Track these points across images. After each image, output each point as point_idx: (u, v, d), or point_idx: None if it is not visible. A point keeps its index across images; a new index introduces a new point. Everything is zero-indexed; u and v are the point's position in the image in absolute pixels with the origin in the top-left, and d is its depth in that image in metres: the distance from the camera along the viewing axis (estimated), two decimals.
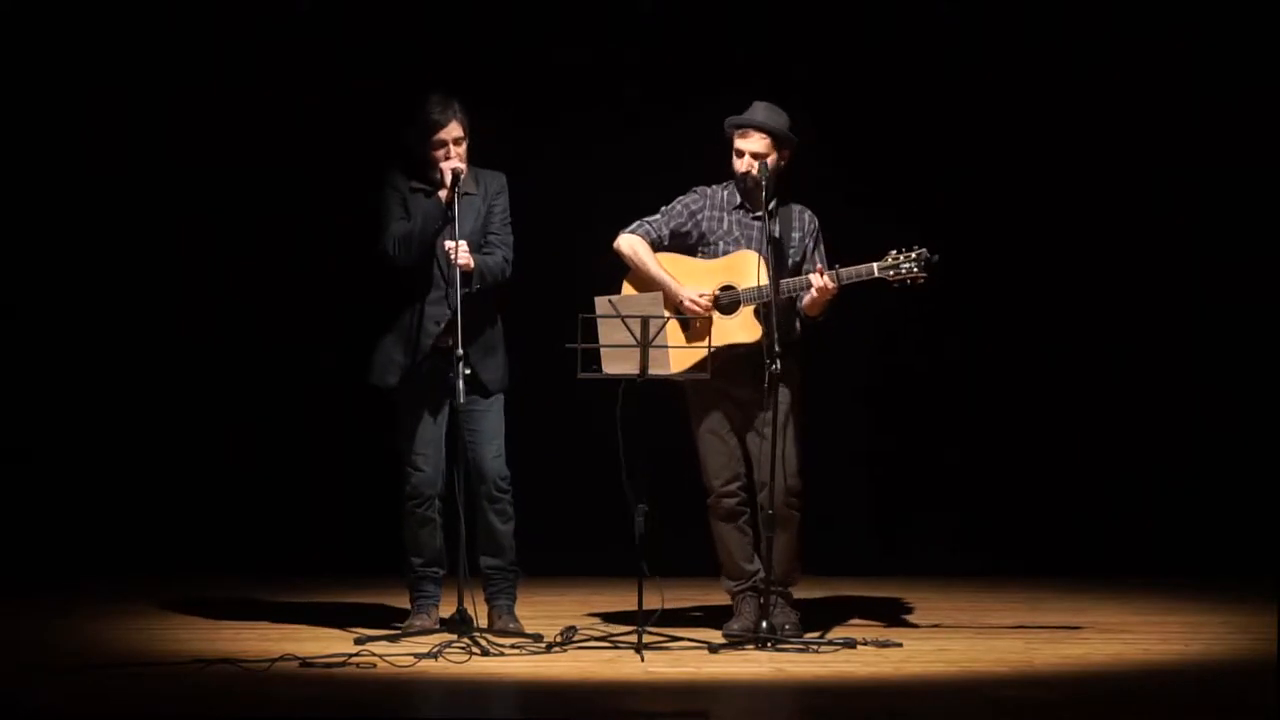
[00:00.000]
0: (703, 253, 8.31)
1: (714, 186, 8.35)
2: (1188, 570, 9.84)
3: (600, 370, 7.91)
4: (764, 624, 7.97)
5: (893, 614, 8.90)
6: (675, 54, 10.24)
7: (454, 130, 8.12)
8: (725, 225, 8.30)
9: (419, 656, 7.66)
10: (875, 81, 10.25)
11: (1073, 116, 10.27)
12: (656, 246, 8.32)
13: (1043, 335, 10.35)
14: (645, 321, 7.85)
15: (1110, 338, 10.32)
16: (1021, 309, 10.33)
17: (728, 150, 8.25)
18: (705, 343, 8.01)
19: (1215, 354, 10.22)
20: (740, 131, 8.22)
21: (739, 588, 8.29)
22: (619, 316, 7.88)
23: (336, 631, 8.35)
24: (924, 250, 8.01)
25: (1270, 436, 9.83)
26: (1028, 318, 10.34)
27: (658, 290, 8.21)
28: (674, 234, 8.33)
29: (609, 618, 8.68)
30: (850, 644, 7.96)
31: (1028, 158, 10.28)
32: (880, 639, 8.05)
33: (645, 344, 7.85)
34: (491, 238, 8.25)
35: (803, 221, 8.30)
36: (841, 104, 10.10)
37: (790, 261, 8.23)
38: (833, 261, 8.21)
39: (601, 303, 7.98)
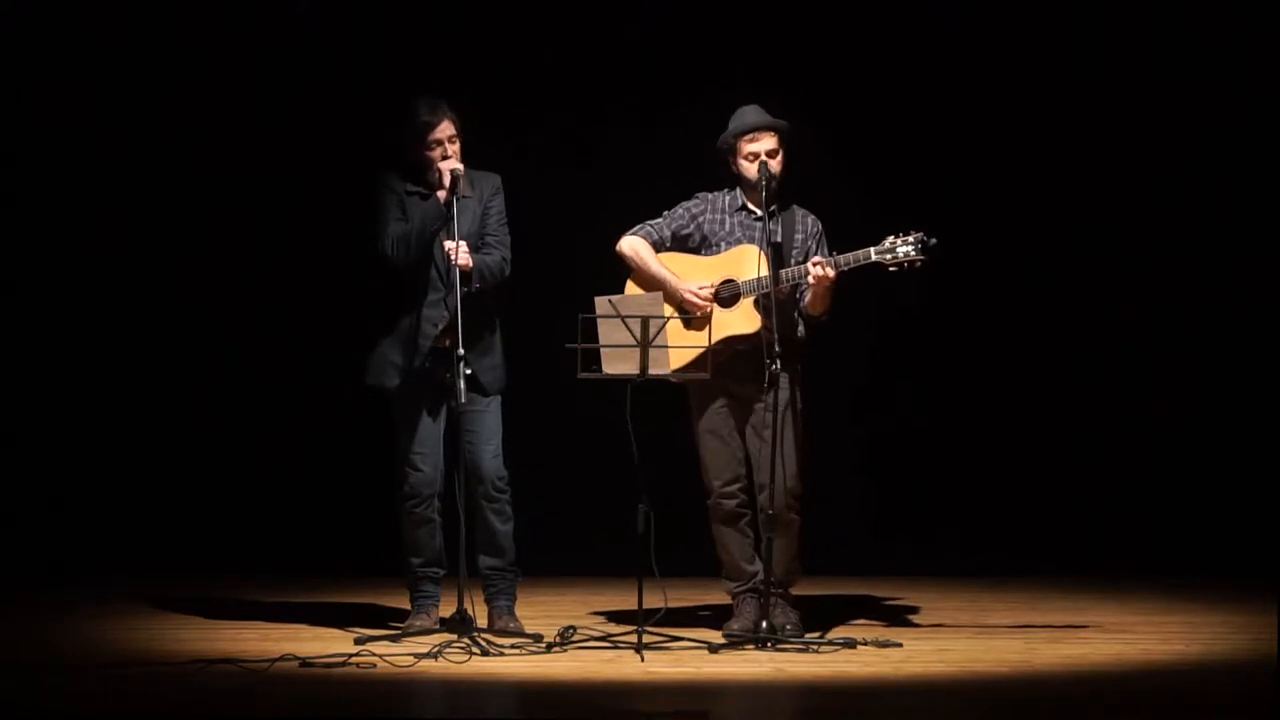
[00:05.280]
0: (706, 255, 8.32)
1: (716, 192, 8.36)
2: (1188, 570, 9.84)
3: (600, 370, 7.91)
4: (764, 624, 7.97)
5: (893, 614, 8.90)
6: (675, 55, 10.24)
7: (446, 129, 8.11)
8: (727, 227, 8.31)
9: (419, 656, 7.66)
10: (874, 76, 10.24)
11: (1072, 112, 10.26)
12: (658, 248, 8.32)
13: (1043, 335, 10.34)
14: (645, 321, 7.85)
15: (1111, 337, 10.32)
16: (1022, 308, 10.33)
17: (725, 162, 8.24)
18: (705, 343, 8.01)
19: (1216, 354, 10.22)
20: (749, 137, 8.20)
21: (739, 589, 8.29)
22: (619, 316, 7.88)
23: (336, 631, 8.36)
24: (921, 233, 8.01)
25: (1270, 437, 9.83)
26: (1028, 317, 10.33)
27: (660, 289, 8.22)
28: (675, 236, 8.33)
29: (610, 618, 8.69)
30: (850, 644, 7.96)
31: (1030, 158, 10.28)
32: (880, 639, 8.05)
33: (645, 344, 7.86)
34: (489, 239, 8.24)
35: (806, 224, 8.31)
36: (842, 100, 10.10)
37: (794, 262, 8.23)
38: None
39: (601, 303, 7.97)
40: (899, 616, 8.85)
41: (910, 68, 10.26)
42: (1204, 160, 10.17)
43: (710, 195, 8.37)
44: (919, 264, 8.01)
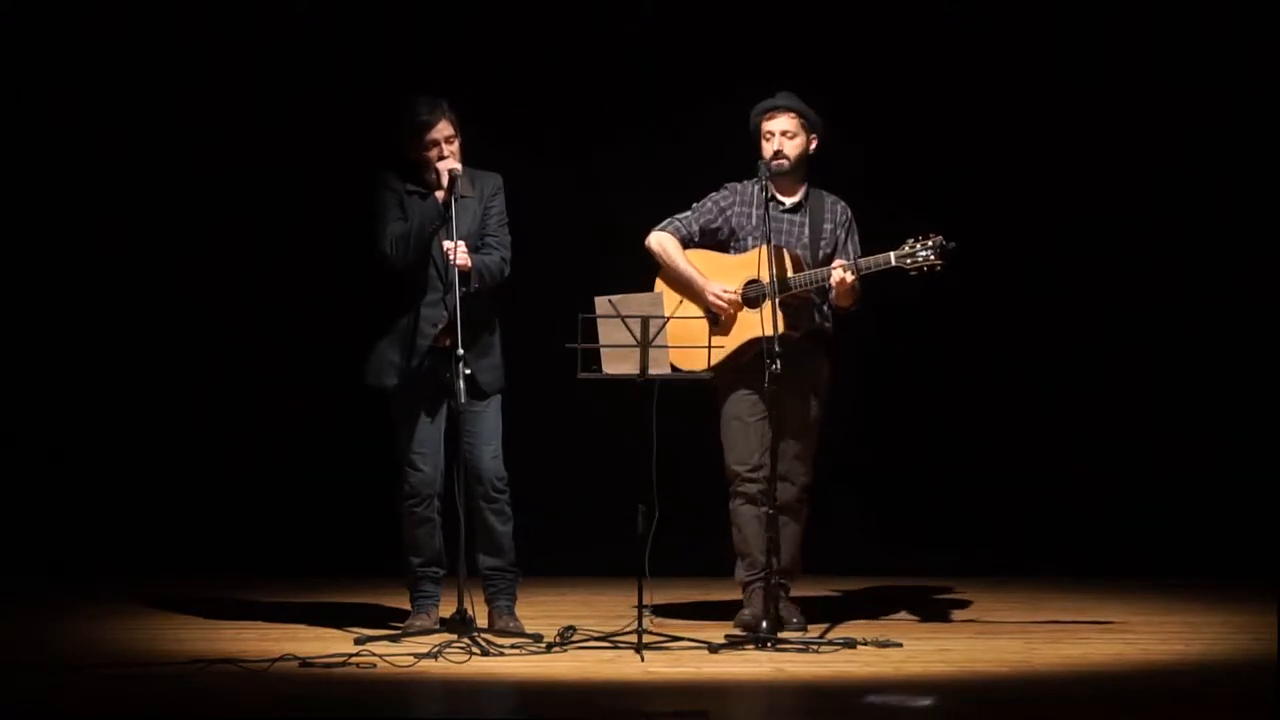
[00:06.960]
0: (734, 248, 8.34)
1: (745, 182, 8.36)
2: (1188, 570, 9.83)
3: (600, 370, 7.91)
4: (763, 623, 7.96)
5: (893, 614, 8.90)
6: (676, 54, 10.24)
7: (444, 129, 8.11)
8: (754, 220, 8.31)
9: (419, 656, 7.66)
10: (874, 77, 10.23)
11: (1073, 112, 10.26)
12: (687, 243, 8.35)
13: (1044, 335, 10.34)
14: (645, 321, 7.85)
15: (1112, 338, 10.32)
16: (1023, 308, 10.33)
17: (755, 145, 8.26)
18: (729, 342, 8.00)
19: (1216, 354, 10.22)
20: (768, 115, 8.23)
21: (752, 577, 8.26)
22: (619, 316, 7.88)
23: (336, 631, 8.36)
24: (940, 238, 8.03)
25: (1270, 437, 9.83)
26: (1029, 317, 10.33)
27: (686, 286, 8.24)
28: (704, 230, 8.36)
29: (610, 618, 8.69)
30: (850, 644, 7.96)
31: (1029, 158, 10.28)
32: (880, 639, 8.05)
33: (645, 344, 7.86)
34: (489, 239, 8.24)
35: (835, 212, 8.33)
36: (841, 99, 10.06)
37: (821, 253, 8.25)
38: (866, 251, 8.24)
39: (601, 303, 7.97)
40: (899, 616, 8.85)
41: (910, 69, 10.25)
42: (1204, 160, 10.16)
43: (739, 186, 8.38)
44: (938, 268, 8.02)
